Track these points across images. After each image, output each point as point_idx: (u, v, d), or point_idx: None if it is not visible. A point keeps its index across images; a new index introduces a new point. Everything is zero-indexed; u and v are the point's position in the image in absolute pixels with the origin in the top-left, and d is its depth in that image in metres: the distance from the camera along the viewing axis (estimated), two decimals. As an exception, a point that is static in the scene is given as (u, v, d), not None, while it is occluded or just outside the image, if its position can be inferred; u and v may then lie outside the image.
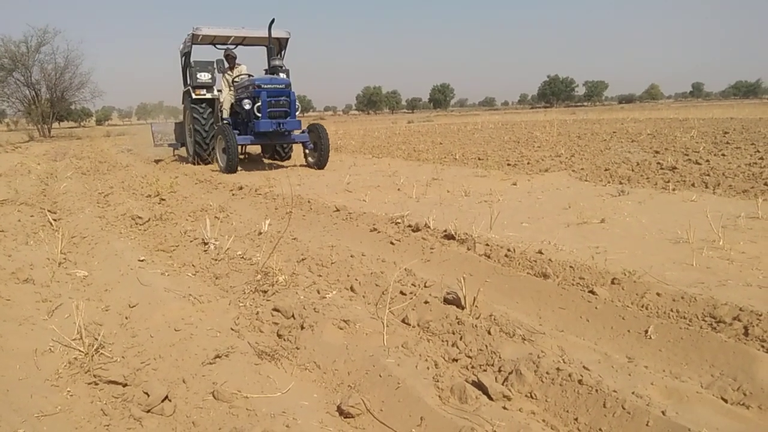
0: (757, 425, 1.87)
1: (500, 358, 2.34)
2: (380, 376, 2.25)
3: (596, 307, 2.82)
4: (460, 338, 2.55)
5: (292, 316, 2.84)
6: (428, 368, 2.30)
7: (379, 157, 12.33)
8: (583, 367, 2.22)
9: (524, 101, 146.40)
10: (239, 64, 12.14)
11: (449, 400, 2.06)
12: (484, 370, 2.30)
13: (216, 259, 4.00)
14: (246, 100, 10.17)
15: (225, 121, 11.43)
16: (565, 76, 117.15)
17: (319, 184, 8.25)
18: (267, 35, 11.23)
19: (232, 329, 2.83)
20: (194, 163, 11.74)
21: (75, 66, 36.80)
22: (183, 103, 12.89)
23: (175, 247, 4.47)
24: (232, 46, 12.46)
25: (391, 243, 4.29)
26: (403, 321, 2.82)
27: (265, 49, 12.23)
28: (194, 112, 11.47)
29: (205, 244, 4.37)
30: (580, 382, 2.06)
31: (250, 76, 11.40)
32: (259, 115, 9.99)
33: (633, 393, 2.00)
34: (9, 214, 5.95)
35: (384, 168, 9.96)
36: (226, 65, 11.75)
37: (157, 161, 13.61)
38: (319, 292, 3.19)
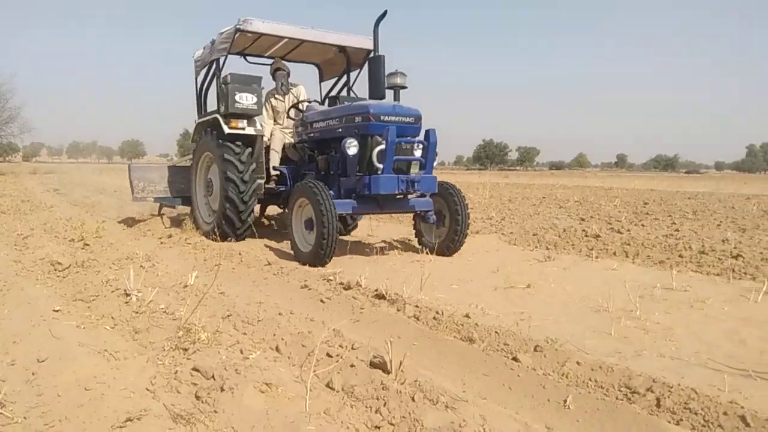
0: (664, 499, 1.92)
1: (422, 426, 2.33)
2: (300, 443, 2.19)
3: (519, 375, 2.87)
4: (384, 404, 2.52)
5: (213, 377, 2.74)
6: (350, 436, 2.26)
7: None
8: (503, 437, 2.23)
9: (460, 162, 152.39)
10: (294, 84, 8.20)
11: (369, 470, 2.02)
12: (406, 439, 2.28)
13: (137, 312, 3.84)
14: (350, 140, 6.04)
15: (276, 171, 7.64)
16: (500, 141, 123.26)
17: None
18: (368, 44, 7.22)
19: (147, 389, 2.70)
20: (215, 239, 7.14)
21: (5, 100, 35.60)
22: (194, 139, 8.53)
23: (94, 298, 4.27)
24: (269, 61, 8.68)
25: (321, 301, 4.25)
26: (327, 385, 2.77)
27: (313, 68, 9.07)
28: (227, 153, 7.02)
29: (127, 295, 4.20)
30: (499, 453, 2.07)
31: (311, 102, 7.80)
32: (380, 165, 5.98)
33: (549, 465, 2.02)
34: None
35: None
36: (282, 85, 8.03)
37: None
38: (242, 352, 3.10)
